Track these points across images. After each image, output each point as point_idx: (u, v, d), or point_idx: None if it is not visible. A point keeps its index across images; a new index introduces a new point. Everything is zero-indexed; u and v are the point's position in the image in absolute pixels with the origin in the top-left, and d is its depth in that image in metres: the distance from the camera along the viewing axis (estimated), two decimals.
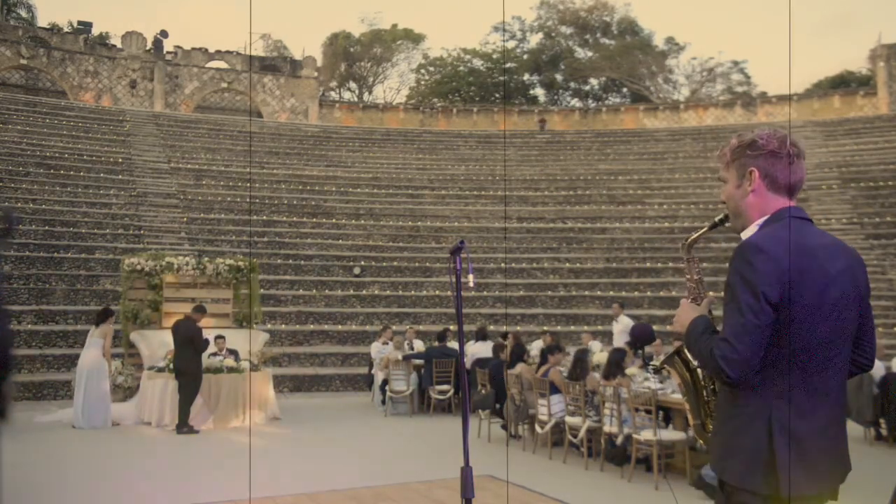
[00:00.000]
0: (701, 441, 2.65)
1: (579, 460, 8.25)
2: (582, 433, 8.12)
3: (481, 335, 12.91)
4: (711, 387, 2.51)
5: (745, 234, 2.40)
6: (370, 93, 52.64)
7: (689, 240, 2.64)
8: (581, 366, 8.67)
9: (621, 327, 13.49)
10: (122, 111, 30.54)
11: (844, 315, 2.28)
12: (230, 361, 10.91)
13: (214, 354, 10.94)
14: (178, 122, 30.42)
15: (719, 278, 19.29)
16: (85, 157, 24.15)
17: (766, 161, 2.36)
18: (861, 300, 2.35)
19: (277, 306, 17.78)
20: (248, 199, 23.87)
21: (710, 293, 2.59)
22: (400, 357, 12.28)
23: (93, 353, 10.63)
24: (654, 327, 16.05)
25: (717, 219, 2.61)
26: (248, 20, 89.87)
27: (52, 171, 22.45)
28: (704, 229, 2.66)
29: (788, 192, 2.37)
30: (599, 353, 11.27)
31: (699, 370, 2.52)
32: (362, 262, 20.73)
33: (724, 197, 2.49)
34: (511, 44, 52.38)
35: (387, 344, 13.33)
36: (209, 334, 10.83)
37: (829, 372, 2.27)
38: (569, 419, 8.40)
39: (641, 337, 10.00)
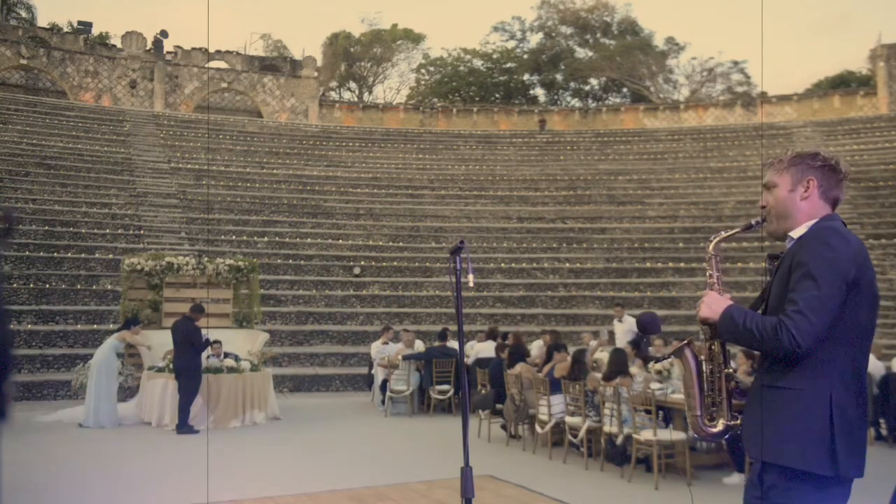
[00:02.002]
0: (696, 433, 2.70)
1: (579, 460, 8.25)
2: (582, 433, 8.12)
3: (492, 335, 12.92)
4: (714, 382, 2.60)
5: (794, 234, 2.54)
6: (370, 93, 52.66)
7: (718, 238, 2.72)
8: (580, 366, 8.67)
9: (627, 327, 13.47)
10: (122, 111, 30.55)
11: (875, 313, 2.46)
12: (230, 362, 10.90)
13: (210, 356, 10.92)
14: (178, 122, 30.42)
15: (726, 278, 19.29)
16: (85, 157, 24.15)
17: (824, 174, 2.54)
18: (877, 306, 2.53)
19: (277, 306, 17.78)
20: (242, 198, 23.87)
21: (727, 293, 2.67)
22: (400, 357, 12.29)
23: (103, 353, 10.67)
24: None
25: (753, 221, 2.70)
26: (244, 21, 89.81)
27: (52, 171, 22.45)
28: (737, 230, 2.76)
29: (834, 205, 2.57)
30: (600, 353, 11.27)
31: (705, 364, 2.62)
32: (362, 262, 20.73)
33: (771, 200, 2.60)
34: (511, 44, 52.44)
35: (387, 344, 13.33)
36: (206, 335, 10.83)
37: (866, 362, 2.45)
38: (569, 419, 8.40)
39: (649, 326, 9.90)
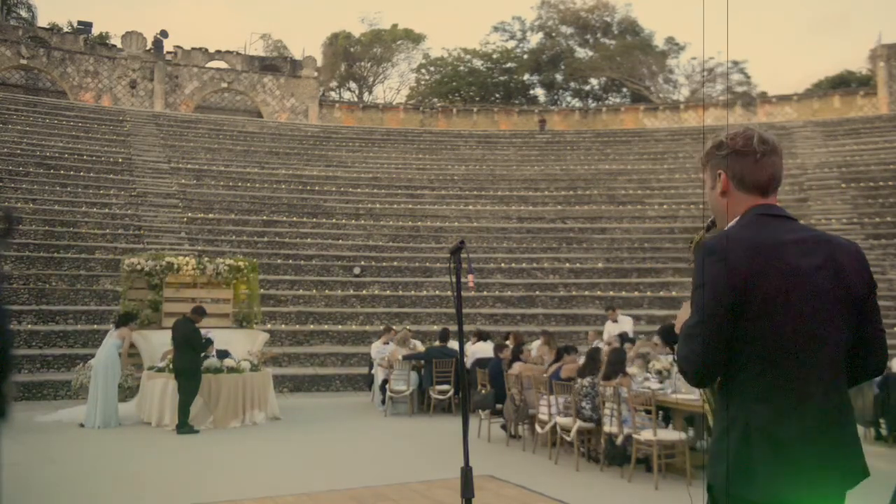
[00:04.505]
0: None
1: (579, 460, 8.25)
2: (574, 433, 8.11)
3: (483, 335, 12.94)
4: None
5: None
6: (370, 93, 52.71)
7: (694, 242, 2.55)
8: (593, 363, 8.60)
9: (628, 328, 13.54)
10: (122, 111, 30.54)
11: (820, 313, 2.14)
12: (230, 361, 10.89)
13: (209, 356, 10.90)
14: (178, 122, 30.42)
15: None
16: (85, 157, 24.15)
17: (733, 161, 2.29)
18: (850, 297, 2.20)
19: (277, 306, 17.77)
20: (242, 198, 23.86)
21: None
22: (400, 357, 12.29)
23: (106, 353, 10.66)
24: (652, 328, 16.07)
25: (709, 221, 2.53)
26: (244, 21, 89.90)
27: (52, 171, 22.45)
28: (703, 232, 2.57)
29: (760, 191, 2.28)
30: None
31: None
32: (362, 262, 20.72)
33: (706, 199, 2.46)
34: (511, 44, 52.49)
35: (387, 344, 13.33)
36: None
37: (810, 373, 2.14)
38: (560, 420, 8.38)
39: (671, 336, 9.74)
